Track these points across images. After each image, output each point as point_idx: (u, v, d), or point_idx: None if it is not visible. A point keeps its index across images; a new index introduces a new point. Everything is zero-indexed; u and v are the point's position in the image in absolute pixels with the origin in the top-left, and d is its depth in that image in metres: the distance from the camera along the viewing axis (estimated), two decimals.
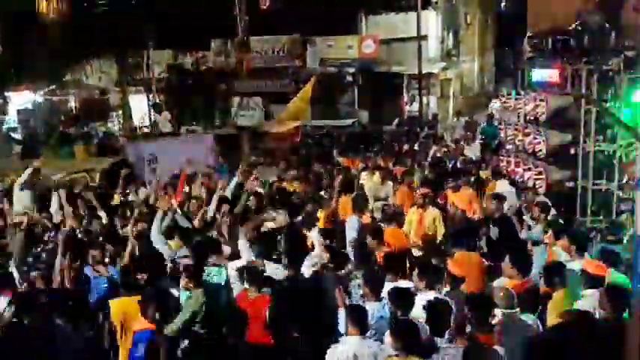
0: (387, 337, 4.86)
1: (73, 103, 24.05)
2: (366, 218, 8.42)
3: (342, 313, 5.52)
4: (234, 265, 6.70)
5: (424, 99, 21.69)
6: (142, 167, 12.01)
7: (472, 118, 18.33)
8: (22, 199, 9.52)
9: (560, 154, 9.56)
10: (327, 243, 7.11)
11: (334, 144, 16.63)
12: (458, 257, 6.43)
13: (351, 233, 7.96)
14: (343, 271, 6.36)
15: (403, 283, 5.84)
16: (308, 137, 17.85)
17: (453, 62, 25.26)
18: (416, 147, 14.74)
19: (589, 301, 5.34)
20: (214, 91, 23.12)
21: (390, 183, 10.19)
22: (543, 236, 7.19)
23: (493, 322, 4.79)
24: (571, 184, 9.44)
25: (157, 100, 22.03)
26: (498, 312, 4.92)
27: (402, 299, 5.24)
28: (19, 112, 21.14)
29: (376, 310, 5.47)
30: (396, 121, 21.74)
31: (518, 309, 5.06)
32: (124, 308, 5.75)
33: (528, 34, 11.49)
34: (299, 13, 20.91)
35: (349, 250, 7.55)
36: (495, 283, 5.86)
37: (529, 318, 5.14)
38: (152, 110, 21.30)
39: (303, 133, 17.57)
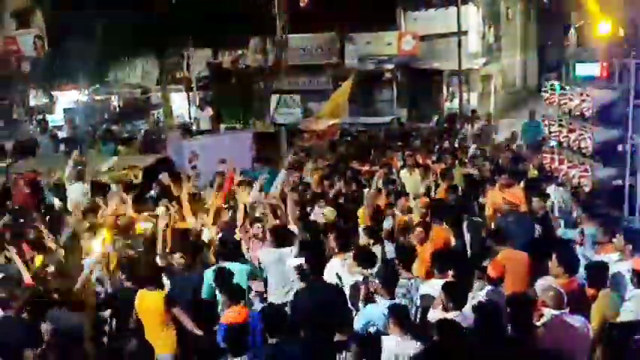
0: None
1: (116, 102, 24.68)
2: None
3: (363, 310, 5.48)
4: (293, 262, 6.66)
5: (464, 95, 21.39)
6: (183, 164, 12.17)
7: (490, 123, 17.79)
8: (73, 192, 9.94)
9: (606, 151, 9.30)
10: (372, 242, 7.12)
11: (373, 141, 16.54)
12: (501, 256, 6.31)
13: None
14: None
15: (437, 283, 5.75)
16: (346, 135, 17.79)
17: (494, 57, 24.82)
18: (456, 144, 14.56)
19: (637, 301, 5.18)
20: (253, 89, 23.27)
21: (431, 180, 10.08)
22: (579, 236, 7.03)
23: (539, 322, 4.68)
24: (618, 181, 9.17)
25: (199, 98, 22.37)
26: (547, 312, 4.80)
27: (459, 294, 5.23)
28: (65, 111, 21.77)
29: None
30: (436, 118, 21.51)
31: (567, 309, 4.93)
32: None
33: (574, 26, 11.21)
34: (338, 11, 20.83)
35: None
36: (540, 283, 5.73)
37: (577, 320, 4.94)
38: (194, 108, 21.65)
39: (341, 131, 17.53)
